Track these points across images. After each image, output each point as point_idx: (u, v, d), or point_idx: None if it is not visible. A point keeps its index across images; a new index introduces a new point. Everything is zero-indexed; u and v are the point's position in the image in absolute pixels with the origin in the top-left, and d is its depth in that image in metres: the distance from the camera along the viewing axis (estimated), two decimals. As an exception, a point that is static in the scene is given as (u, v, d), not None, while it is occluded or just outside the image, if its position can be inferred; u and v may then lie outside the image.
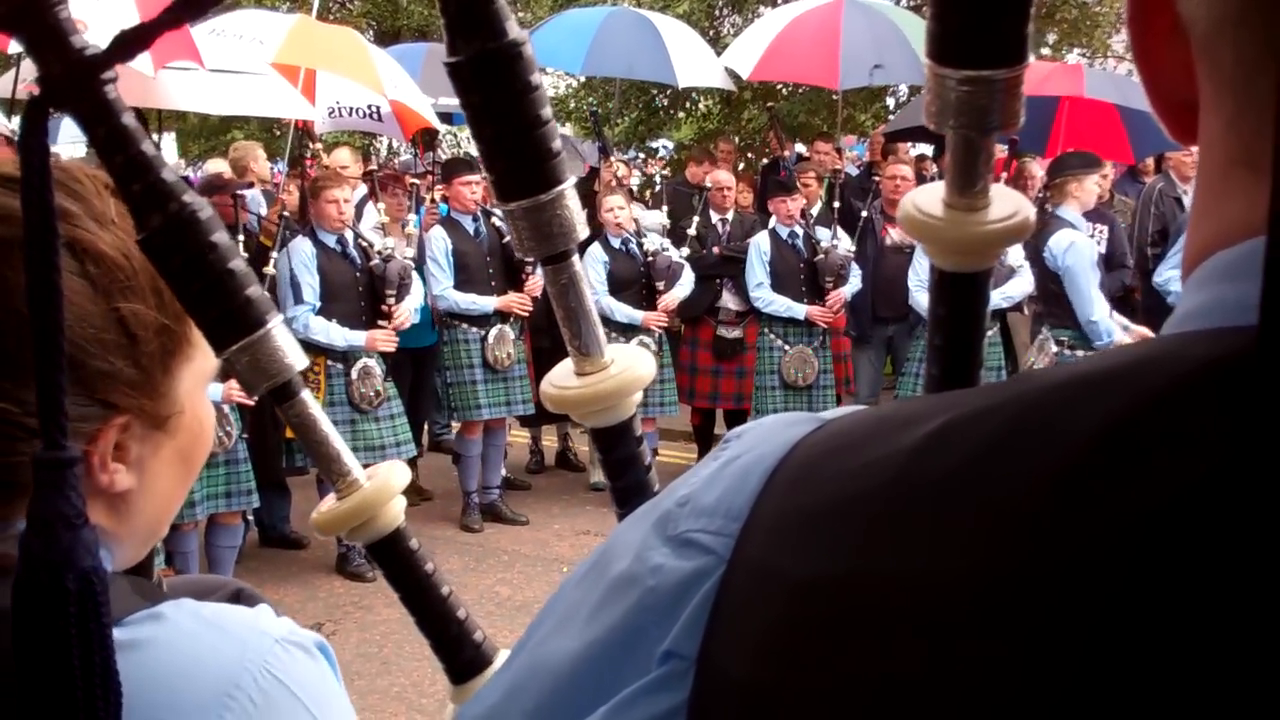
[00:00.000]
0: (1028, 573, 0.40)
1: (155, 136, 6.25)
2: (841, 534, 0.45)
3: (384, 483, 0.88)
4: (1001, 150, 7.28)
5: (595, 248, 6.81)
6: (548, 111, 0.70)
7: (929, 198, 0.65)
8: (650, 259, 6.76)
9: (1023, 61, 0.57)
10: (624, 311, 6.71)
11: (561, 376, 0.80)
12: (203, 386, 0.88)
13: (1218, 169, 0.46)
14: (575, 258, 0.75)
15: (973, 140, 0.61)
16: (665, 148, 13.24)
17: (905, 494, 0.44)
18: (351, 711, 0.83)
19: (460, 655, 0.93)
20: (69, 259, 0.76)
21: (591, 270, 6.72)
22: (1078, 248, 5.98)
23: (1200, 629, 0.36)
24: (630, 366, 0.78)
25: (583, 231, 0.73)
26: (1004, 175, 7.10)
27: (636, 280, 6.80)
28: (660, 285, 6.76)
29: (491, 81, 0.68)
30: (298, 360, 0.79)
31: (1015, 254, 6.26)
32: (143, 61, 4.82)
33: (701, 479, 0.53)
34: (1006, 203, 0.64)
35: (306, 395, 0.82)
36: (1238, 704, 0.35)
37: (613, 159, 7.64)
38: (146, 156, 0.70)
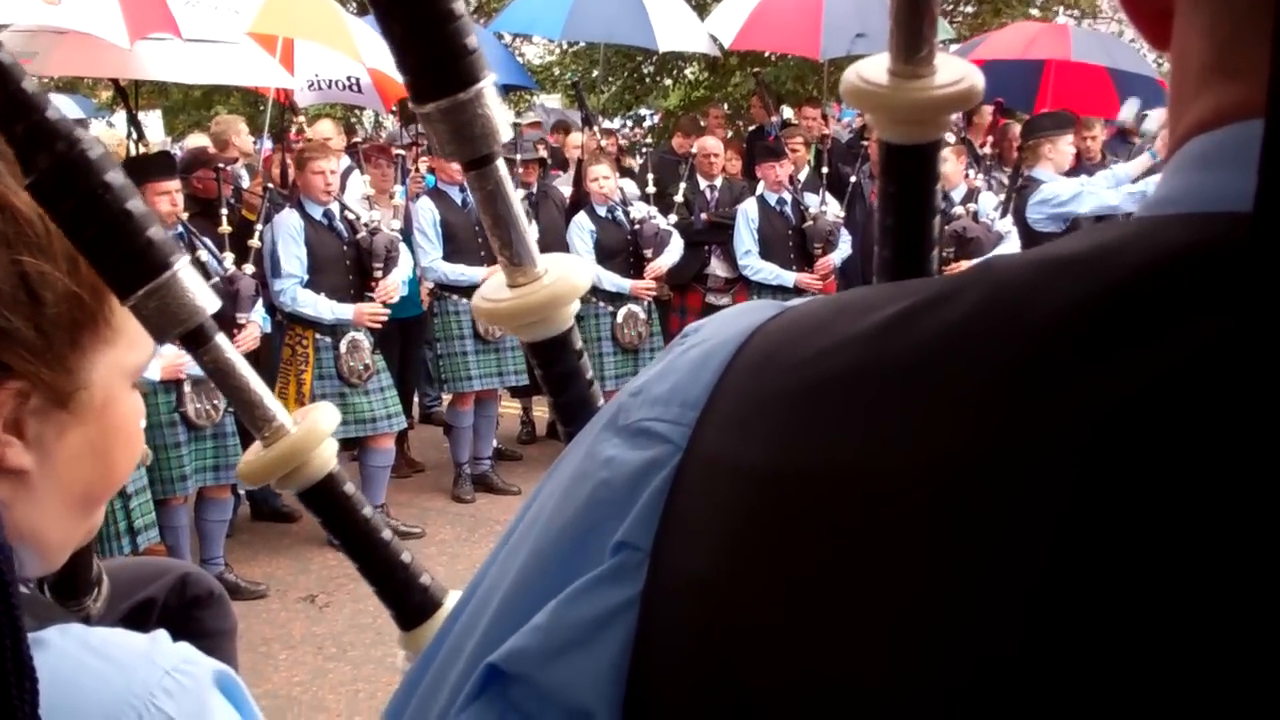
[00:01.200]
0: (993, 461, 0.38)
1: (136, 114, 6.19)
2: (799, 423, 0.44)
3: (312, 426, 0.83)
4: (988, 113, 7.27)
5: (581, 216, 6.78)
6: (460, 6, 0.66)
7: (873, 67, 0.63)
8: (637, 226, 6.72)
9: None
10: (612, 280, 6.68)
11: (493, 289, 0.76)
12: (126, 380, 0.81)
13: (1191, 76, 0.45)
14: (500, 162, 0.71)
15: (916, 1, 0.58)
16: (649, 115, 13.18)
17: (866, 381, 0.43)
18: None
19: (407, 600, 0.89)
20: None
21: (578, 239, 6.69)
22: (1054, 189, 6.01)
23: (1183, 518, 0.35)
24: (565, 275, 0.74)
25: (506, 133, 0.69)
26: (989, 138, 7.07)
27: (624, 248, 6.76)
28: (648, 253, 6.72)
29: None
30: (209, 303, 0.75)
31: (1003, 220, 6.25)
32: (118, 33, 4.77)
33: (656, 370, 0.51)
34: (952, 69, 0.62)
35: (221, 339, 0.78)
36: (1224, 595, 0.34)
37: (595, 128, 7.58)
38: (28, 94, 0.66)
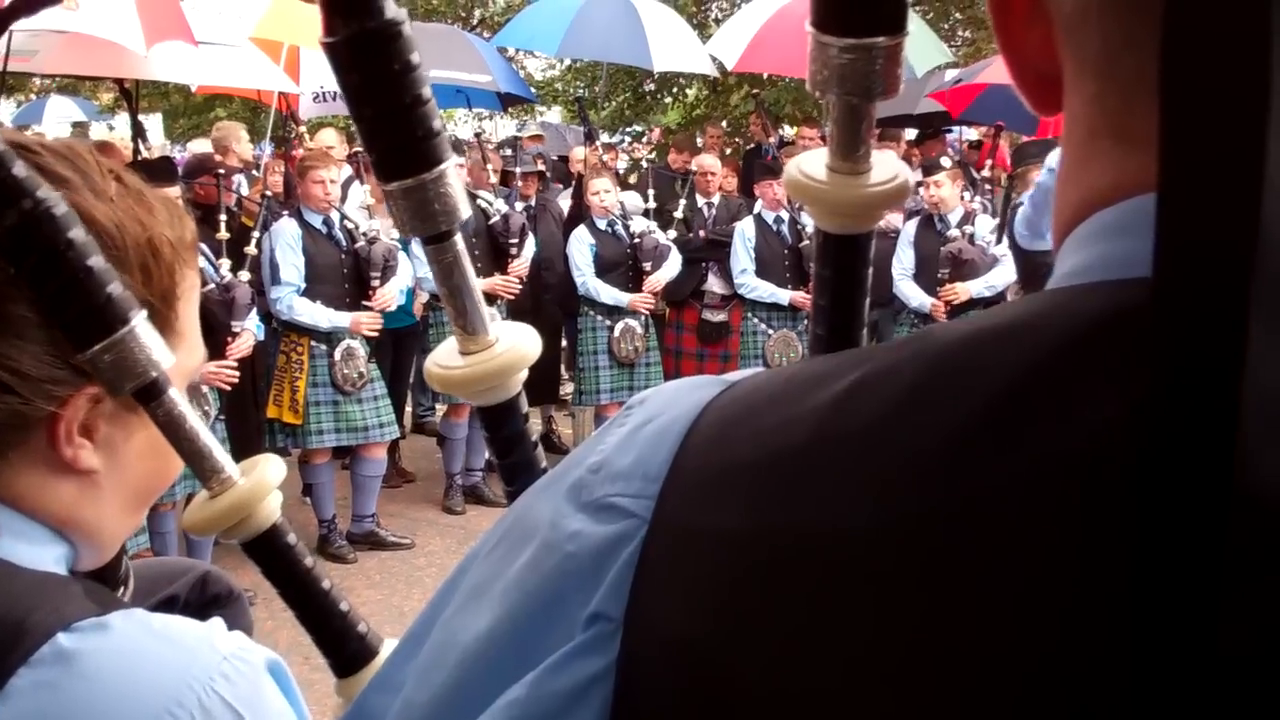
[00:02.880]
0: (939, 521, 0.42)
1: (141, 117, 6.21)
2: (766, 490, 0.47)
3: (259, 480, 0.86)
4: (986, 135, 7.29)
5: (581, 230, 6.79)
6: (428, 91, 0.69)
7: (813, 162, 0.65)
8: (637, 240, 6.73)
9: (901, 32, 0.58)
10: (610, 293, 6.69)
11: (446, 355, 0.78)
12: (184, 382, 0.86)
13: (1081, 140, 0.48)
14: (458, 236, 0.74)
15: (856, 106, 0.61)
16: (637, 131, 13.19)
17: (826, 448, 0.46)
18: None
19: (344, 649, 0.92)
20: None
21: (578, 252, 6.70)
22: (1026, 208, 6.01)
23: (1102, 570, 0.38)
24: (515, 345, 0.77)
25: (465, 211, 0.71)
26: (989, 161, 7.09)
27: (623, 262, 6.77)
28: (647, 266, 6.72)
29: (370, 61, 0.66)
30: (163, 357, 0.77)
31: (999, 245, 6.25)
32: (135, 39, 4.79)
33: (612, 445, 0.53)
34: (887, 167, 0.65)
35: (174, 393, 0.80)
36: (1152, 644, 0.36)
37: (598, 143, 7.60)
38: None
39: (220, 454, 0.85)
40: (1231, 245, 0.34)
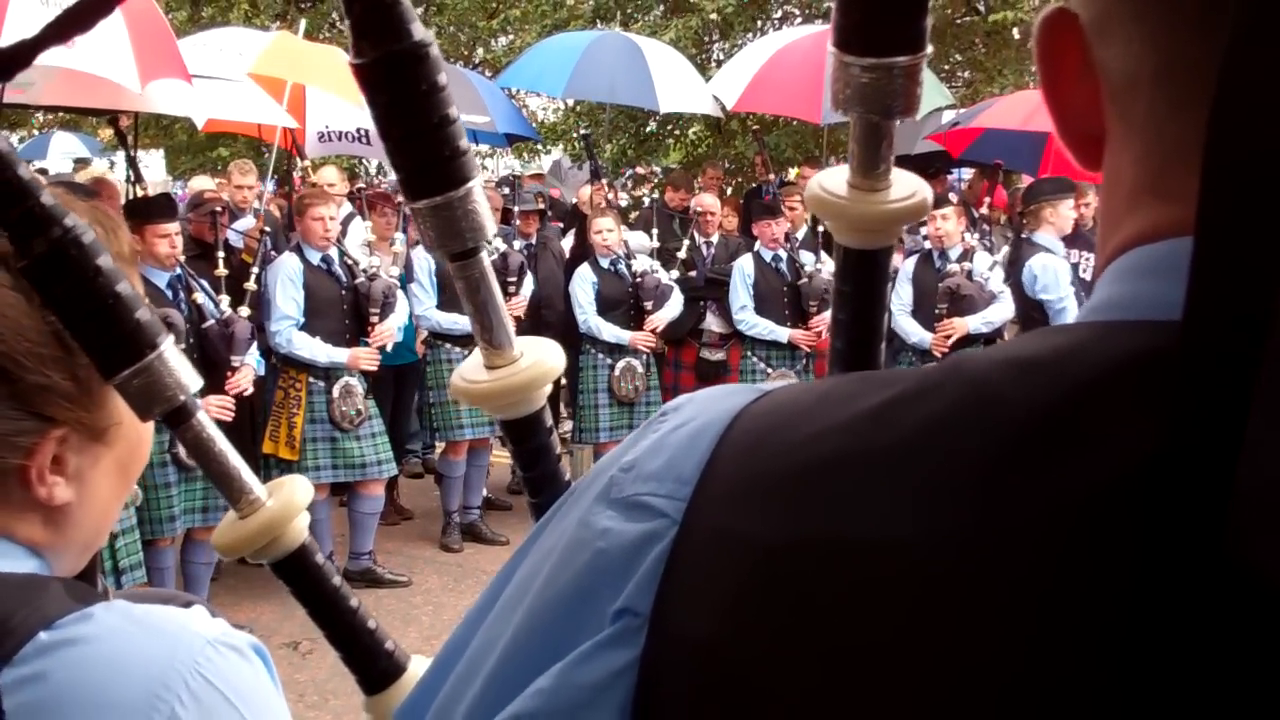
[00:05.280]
0: (973, 538, 0.43)
1: (134, 153, 6.23)
2: (800, 500, 0.48)
3: (288, 500, 0.87)
4: (983, 177, 7.32)
5: (584, 268, 6.83)
6: (454, 111, 0.70)
7: (834, 179, 0.67)
8: (639, 280, 6.75)
9: (921, 50, 0.60)
10: (611, 331, 6.70)
11: (471, 370, 0.79)
12: None
13: (1126, 195, 0.51)
14: (484, 253, 0.75)
15: (877, 124, 0.62)
16: (639, 176, 13.24)
17: (859, 464, 0.47)
18: (286, 714, 0.81)
19: (373, 666, 0.92)
20: (2, 273, 0.76)
21: (581, 290, 6.73)
22: (1048, 269, 6.02)
23: (1121, 600, 0.40)
24: (540, 360, 0.78)
25: (491, 228, 0.73)
26: (987, 200, 7.13)
27: (625, 301, 6.78)
28: (648, 305, 6.74)
29: (398, 82, 0.68)
30: (192, 381, 0.78)
31: (996, 280, 6.27)
32: (130, 77, 4.82)
33: (644, 447, 0.55)
34: (906, 184, 0.66)
35: (202, 416, 0.81)
36: (1165, 669, 0.38)
37: (603, 182, 7.64)
38: (24, 181, 0.70)
39: (248, 475, 0.86)
40: (1244, 335, 0.36)
